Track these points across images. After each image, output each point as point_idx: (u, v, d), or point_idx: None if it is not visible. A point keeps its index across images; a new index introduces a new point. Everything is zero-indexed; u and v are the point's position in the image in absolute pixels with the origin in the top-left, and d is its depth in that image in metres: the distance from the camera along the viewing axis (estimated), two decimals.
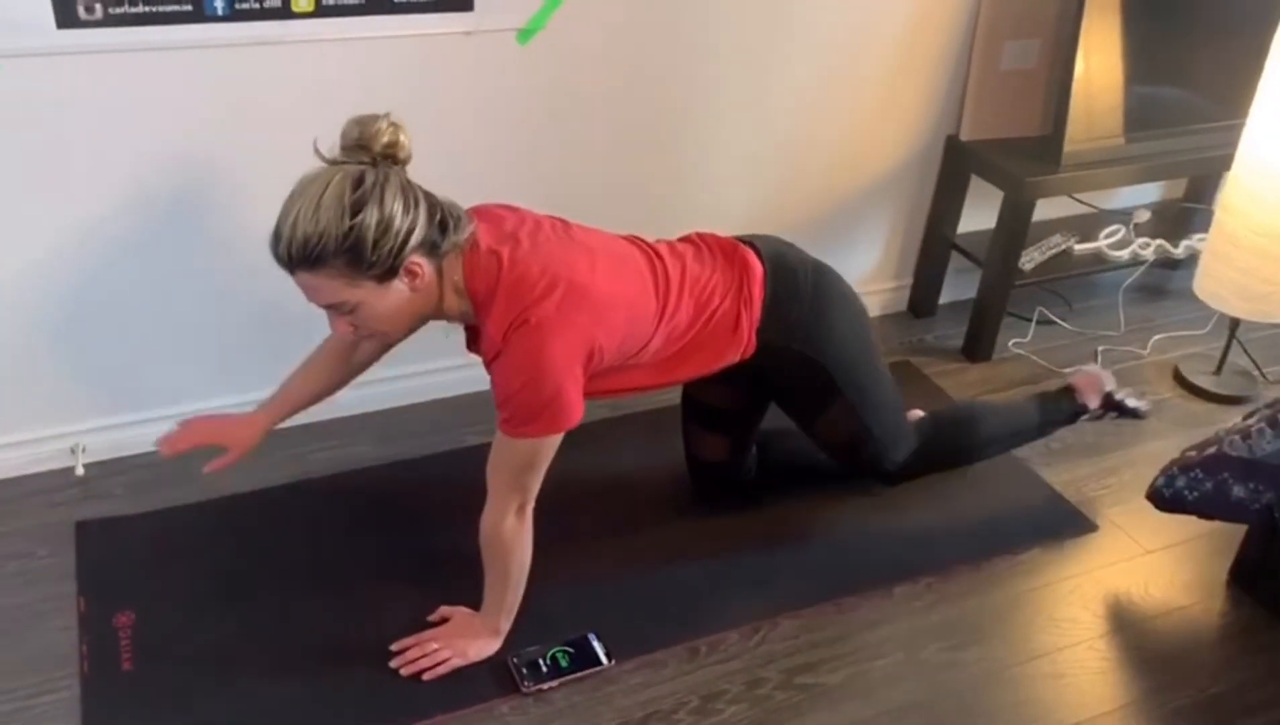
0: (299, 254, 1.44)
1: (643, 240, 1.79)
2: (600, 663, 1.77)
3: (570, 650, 1.78)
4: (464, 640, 1.76)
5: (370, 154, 1.48)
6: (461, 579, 1.87)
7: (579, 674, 1.75)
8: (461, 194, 1.61)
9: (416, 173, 1.54)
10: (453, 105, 2.08)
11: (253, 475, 2.14)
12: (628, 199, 2.34)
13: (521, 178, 2.19)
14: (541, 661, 1.75)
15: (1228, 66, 2.62)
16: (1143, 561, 2.08)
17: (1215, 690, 1.81)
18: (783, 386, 1.91)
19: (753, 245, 1.85)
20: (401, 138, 1.50)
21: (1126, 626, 1.93)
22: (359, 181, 1.44)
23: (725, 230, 2.42)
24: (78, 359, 2.06)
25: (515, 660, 1.75)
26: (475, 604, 1.78)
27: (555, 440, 1.60)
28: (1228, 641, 1.91)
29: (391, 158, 1.49)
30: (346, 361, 1.88)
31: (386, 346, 1.83)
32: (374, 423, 2.33)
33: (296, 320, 2.13)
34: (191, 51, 1.84)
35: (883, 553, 2.04)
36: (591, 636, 1.81)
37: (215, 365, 2.18)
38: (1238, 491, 1.88)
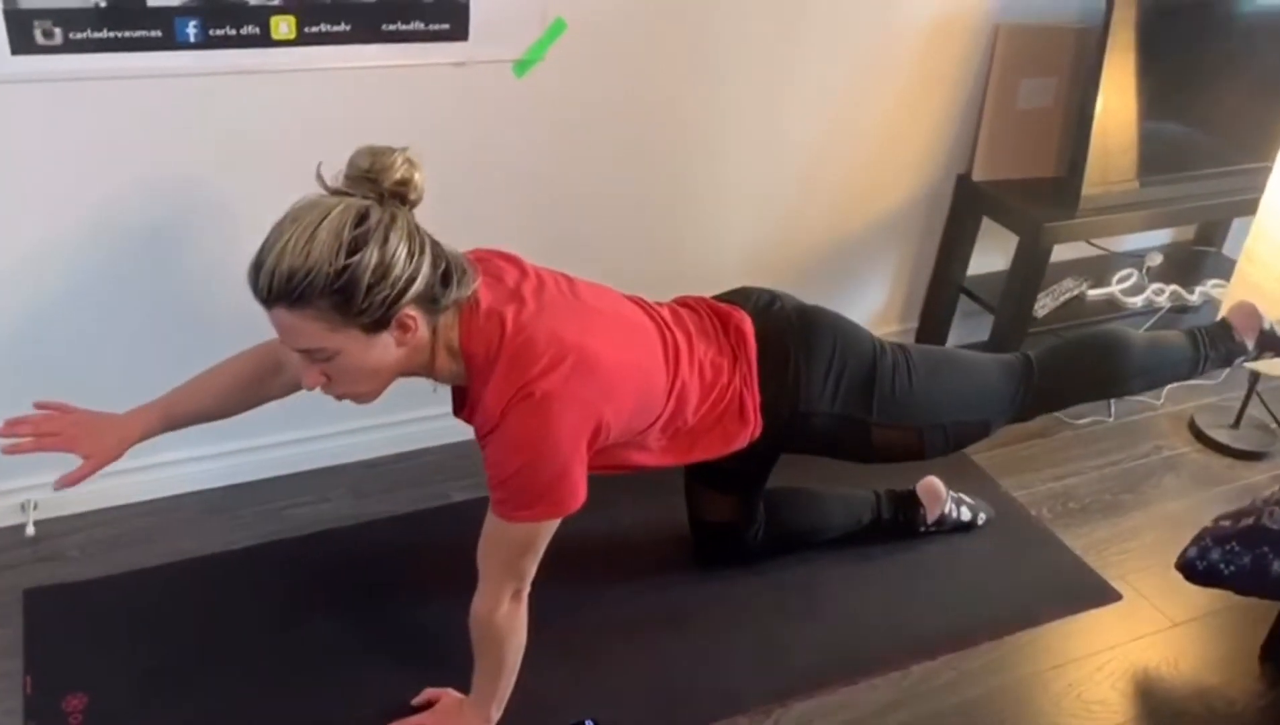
0: (281, 287, 1.27)
1: (647, 303, 1.66)
2: None
3: None
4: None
5: (378, 189, 1.32)
6: (446, 655, 1.73)
7: None
8: (451, 234, 1.45)
9: None
10: (443, 140, 1.93)
11: (220, 534, 1.99)
12: (628, 241, 2.22)
13: (515, 218, 2.05)
14: None
15: (1243, 109, 2.54)
16: (1171, 635, 1.96)
17: None
18: (816, 446, 1.77)
19: (745, 308, 1.72)
20: (416, 176, 1.35)
21: (1158, 708, 1.81)
22: (362, 217, 1.28)
23: (728, 270, 2.32)
24: (28, 406, 1.89)
25: None
26: (463, 684, 1.63)
27: (554, 524, 1.46)
28: None
29: (401, 197, 1.34)
30: (263, 382, 1.63)
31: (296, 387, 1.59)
32: (350, 475, 2.17)
33: None
34: (161, 81, 1.69)
35: (899, 626, 1.91)
36: (589, 724, 1.66)
37: None
38: (1277, 567, 1.76)
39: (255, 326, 1.42)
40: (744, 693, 1.75)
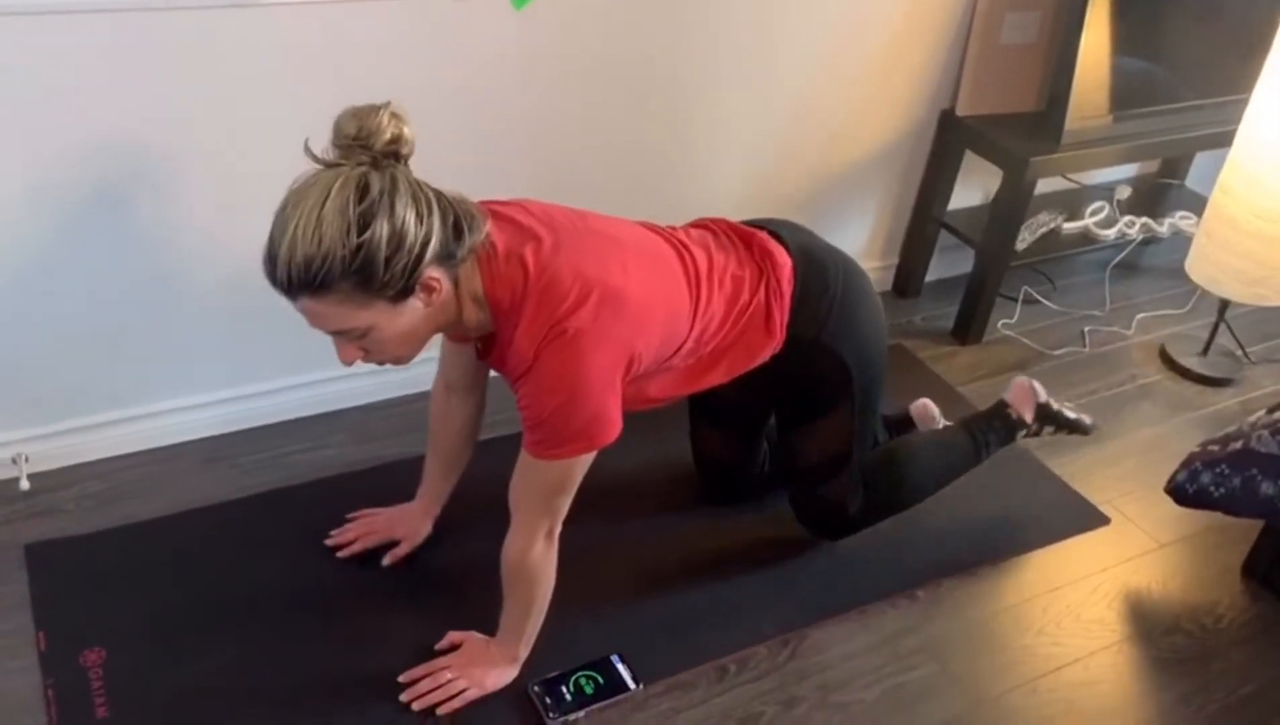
0: (300, 279, 1.24)
1: (659, 227, 1.63)
2: (627, 688, 1.65)
3: (594, 675, 1.66)
4: (480, 669, 1.62)
5: (371, 152, 1.27)
6: (460, 597, 1.76)
7: (606, 702, 1.62)
8: (449, 174, 1.42)
9: None
10: (440, 76, 1.89)
11: (221, 483, 1.95)
12: (623, 174, 2.20)
13: (512, 152, 2.03)
14: (565, 688, 1.63)
15: (1207, 45, 2.58)
16: (1158, 556, 2.04)
17: (1246, 691, 1.78)
18: (795, 380, 1.74)
19: (775, 233, 1.71)
20: (405, 131, 1.30)
21: (1152, 626, 1.89)
22: (364, 189, 1.24)
23: (718, 203, 2.33)
24: (16, 359, 1.83)
25: (536, 689, 1.62)
26: (478, 625, 1.65)
27: (589, 458, 1.46)
28: (1252, 639, 1.88)
29: (394, 155, 1.29)
30: (459, 414, 1.76)
31: (477, 377, 1.72)
32: (350, 420, 2.15)
33: (254, 314, 1.95)
34: (137, 15, 1.61)
35: (903, 555, 1.95)
36: (615, 658, 1.68)
37: (168, 364, 1.96)
38: (1266, 488, 1.84)
39: (226, 283, 1.38)
40: (761, 624, 1.79)
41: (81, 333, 1.85)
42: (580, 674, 1.65)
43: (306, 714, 1.57)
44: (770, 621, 1.80)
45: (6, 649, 1.62)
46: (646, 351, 1.47)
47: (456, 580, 1.79)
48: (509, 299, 1.40)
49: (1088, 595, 1.93)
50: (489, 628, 1.64)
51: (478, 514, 1.84)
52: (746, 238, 1.68)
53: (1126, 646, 1.84)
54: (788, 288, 1.65)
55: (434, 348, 1.67)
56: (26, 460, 1.89)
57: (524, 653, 1.63)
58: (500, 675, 1.62)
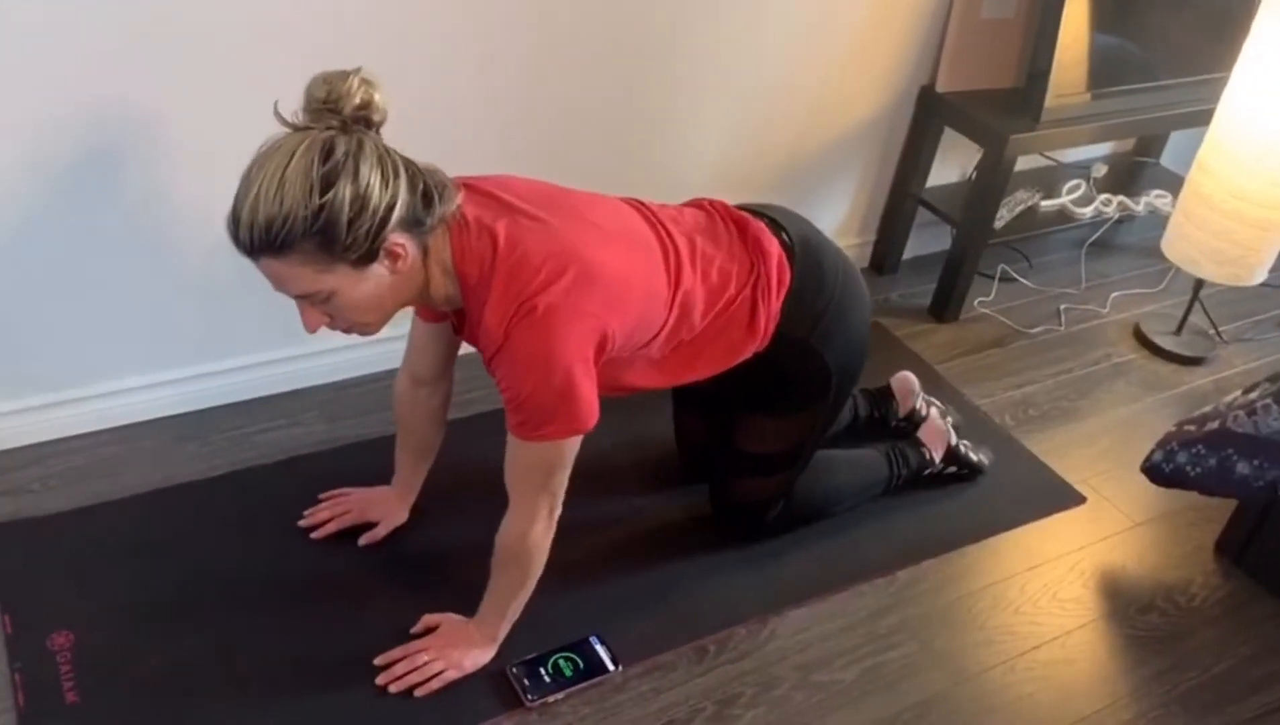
0: (262, 239, 1.23)
1: (646, 207, 1.59)
2: (606, 669, 1.63)
3: (573, 656, 1.64)
4: (458, 650, 1.59)
5: (340, 117, 1.25)
6: (442, 579, 1.74)
7: (585, 684, 1.61)
8: (430, 149, 1.39)
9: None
10: (415, 40, 1.84)
11: (190, 462, 1.92)
12: (602, 148, 2.16)
13: (484, 120, 1.99)
14: (543, 670, 1.61)
15: (1183, 24, 2.58)
16: (1133, 534, 2.05)
17: (1219, 669, 1.80)
18: (774, 373, 1.70)
19: (775, 223, 1.67)
20: (376, 97, 1.28)
21: (1127, 604, 1.90)
22: (328, 151, 1.23)
23: (696, 180, 2.30)
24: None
25: (515, 670, 1.60)
26: (453, 606, 1.62)
27: (579, 439, 1.44)
28: (1224, 617, 1.90)
29: (365, 121, 1.28)
30: (424, 401, 1.72)
31: (444, 367, 1.69)
32: (321, 397, 2.11)
33: (223, 289, 1.91)
34: None
35: (882, 535, 1.95)
36: (594, 639, 1.67)
37: (138, 339, 1.91)
38: (1241, 468, 1.84)
39: (195, 258, 1.35)
40: (740, 604, 1.78)
41: (45, 307, 1.80)
42: (559, 655, 1.64)
43: (280, 698, 1.54)
44: (750, 601, 1.79)
45: None
46: (620, 332, 1.44)
47: (433, 562, 1.76)
48: (477, 272, 1.37)
49: (1065, 574, 1.94)
50: (467, 609, 1.62)
51: (453, 494, 1.84)
52: (742, 227, 1.63)
53: (1102, 624, 1.85)
54: (778, 285, 1.61)
55: (402, 324, 1.65)
56: None
57: (504, 633, 1.61)
58: (478, 656, 1.60)
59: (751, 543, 1.88)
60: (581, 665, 1.63)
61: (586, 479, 1.92)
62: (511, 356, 1.36)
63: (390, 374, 2.15)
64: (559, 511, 1.51)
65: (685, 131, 2.25)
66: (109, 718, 1.48)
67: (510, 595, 1.56)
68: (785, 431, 1.76)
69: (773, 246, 1.61)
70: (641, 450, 2.04)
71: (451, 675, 1.57)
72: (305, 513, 1.81)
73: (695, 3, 2.08)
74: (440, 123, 1.91)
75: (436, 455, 1.80)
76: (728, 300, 1.57)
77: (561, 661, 1.63)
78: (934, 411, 2.12)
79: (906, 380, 2.16)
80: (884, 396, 2.15)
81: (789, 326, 1.63)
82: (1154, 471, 1.96)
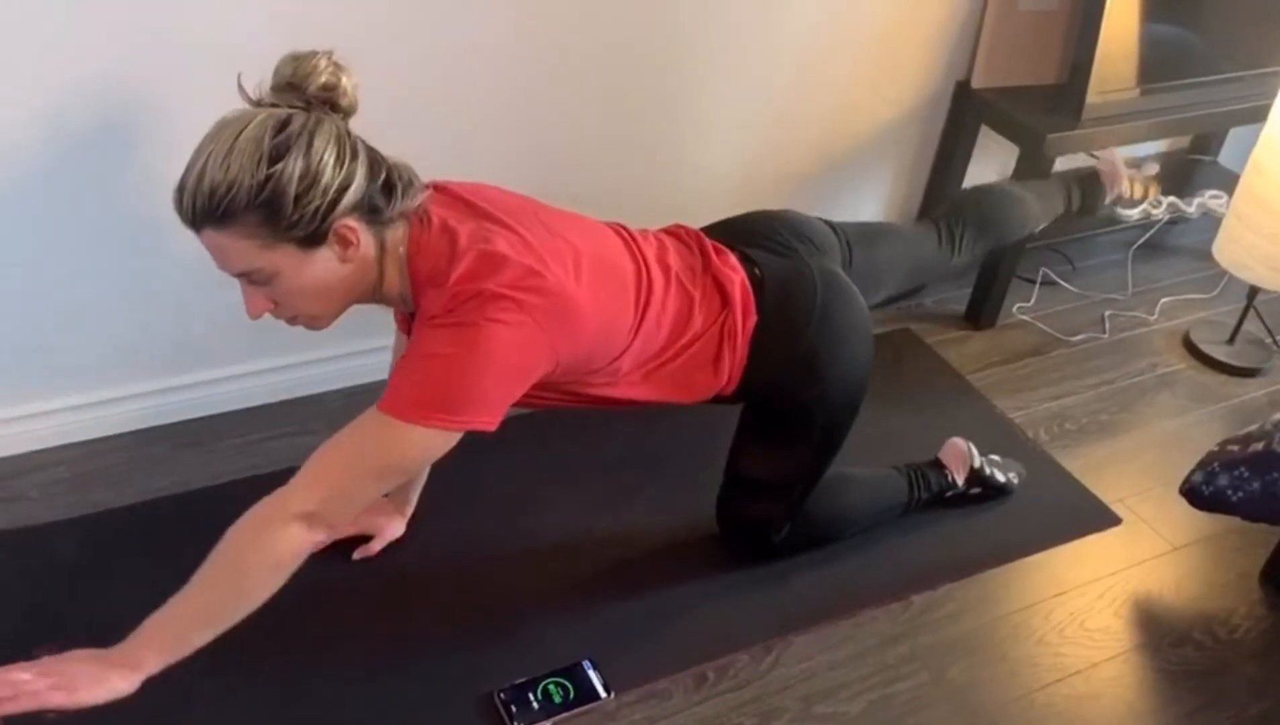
0: (204, 206, 1.19)
1: (628, 233, 1.53)
2: (598, 696, 1.57)
3: (563, 682, 1.58)
4: (79, 667, 1.22)
5: (304, 96, 1.22)
6: (425, 594, 1.67)
7: (575, 711, 1.55)
8: (413, 147, 1.34)
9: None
10: (409, 37, 1.79)
11: (195, 469, 1.90)
12: (619, 142, 2.09)
13: (485, 122, 1.92)
14: (532, 696, 1.56)
15: (1245, 13, 2.43)
16: (1171, 559, 1.93)
17: (1257, 709, 1.68)
18: (757, 409, 1.66)
19: (747, 257, 1.59)
20: (343, 80, 1.25)
21: (1161, 636, 1.79)
22: (283, 125, 1.20)
23: (720, 182, 2.22)
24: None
25: (502, 696, 1.55)
26: (445, 627, 1.57)
27: (441, 447, 1.28)
28: (1267, 652, 1.78)
29: (329, 103, 1.24)
30: None
31: None
32: (328, 405, 2.08)
33: (230, 294, 1.87)
34: None
35: (898, 557, 1.86)
36: (586, 664, 1.61)
37: (142, 345, 1.90)
38: None
39: (201, 262, 1.32)
40: (744, 629, 1.71)
41: (49, 312, 1.79)
42: (549, 681, 1.58)
43: (269, 710, 1.51)
44: (754, 627, 1.71)
45: None
46: (565, 357, 1.35)
47: (415, 582, 1.71)
48: (428, 270, 1.31)
49: (1094, 601, 1.83)
50: (453, 629, 1.56)
51: (454, 511, 1.79)
52: (712, 261, 1.56)
53: (1133, 657, 1.75)
54: (743, 329, 1.53)
55: None
56: None
57: (156, 664, 1.23)
58: (106, 683, 1.21)
59: (759, 564, 1.81)
60: (572, 692, 1.57)
61: (583, 494, 1.90)
62: (442, 326, 1.25)
63: None
64: (323, 539, 1.28)
65: (701, 134, 2.17)
66: None
67: (201, 604, 1.25)
68: (776, 461, 1.68)
69: (735, 285, 1.53)
70: (647, 468, 1.97)
71: (58, 699, 1.18)
72: None
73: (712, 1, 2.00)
74: (438, 127, 1.86)
75: (432, 471, 1.74)
76: (691, 337, 1.51)
77: (551, 687, 1.57)
78: (955, 439, 1.98)
79: (955, 447, 1.97)
80: (936, 469, 1.94)
81: (757, 370, 1.55)
82: (1193, 494, 1.84)
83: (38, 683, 1.19)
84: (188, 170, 1.21)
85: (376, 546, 1.74)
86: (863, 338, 1.64)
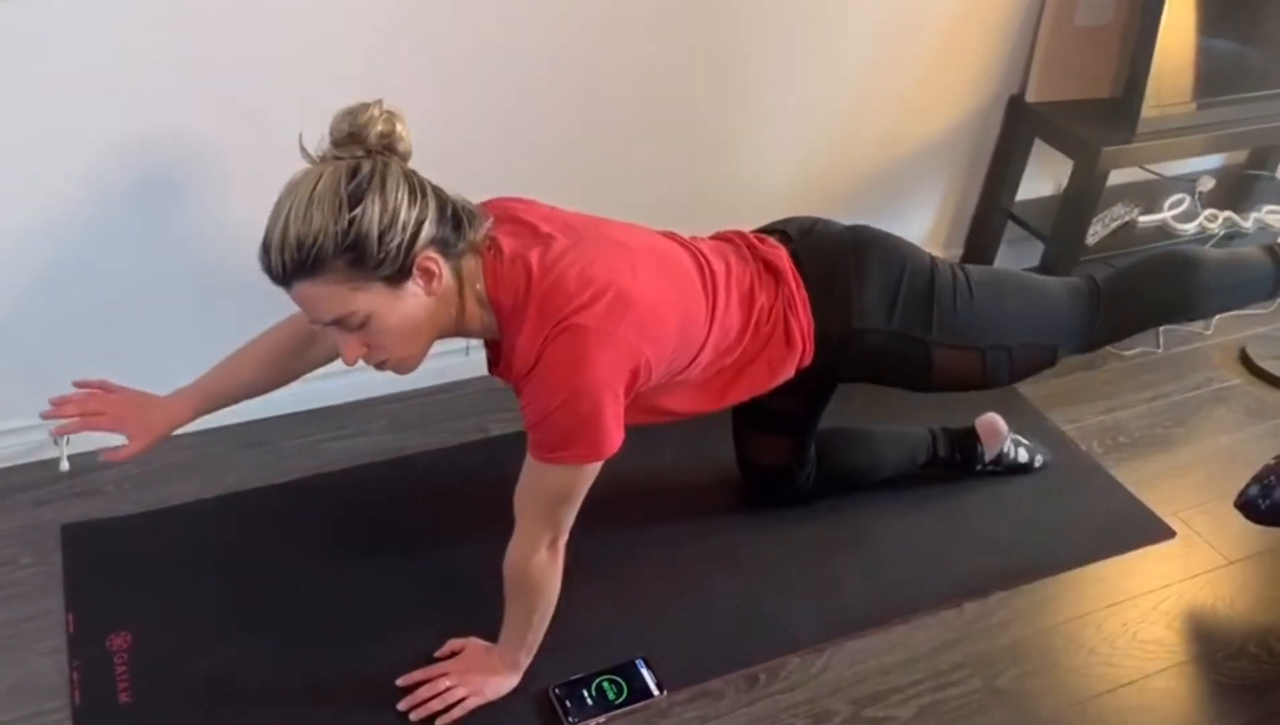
0: (293, 260, 1.23)
1: (680, 237, 1.58)
2: (651, 694, 1.60)
3: (617, 679, 1.61)
4: (480, 676, 1.57)
5: (365, 146, 1.27)
6: (483, 597, 1.68)
7: (628, 708, 1.58)
8: (454, 167, 1.39)
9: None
10: (442, 47, 1.82)
11: (258, 468, 1.95)
12: (672, 148, 2.12)
13: (530, 135, 1.96)
14: (586, 693, 1.58)
15: None
16: (1226, 573, 1.92)
17: None
18: (870, 372, 1.68)
19: (782, 233, 1.66)
20: (399, 127, 1.29)
21: (1215, 649, 1.78)
22: (354, 172, 1.24)
23: (769, 195, 2.26)
24: (59, 337, 1.84)
25: (557, 692, 1.58)
26: (498, 628, 1.59)
27: (593, 470, 1.40)
28: None
29: (389, 149, 1.29)
30: (299, 353, 1.62)
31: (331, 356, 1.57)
32: (388, 407, 2.13)
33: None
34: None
35: (951, 564, 1.87)
36: (640, 663, 1.64)
37: (211, 348, 1.91)
38: None
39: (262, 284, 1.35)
40: (795, 631, 1.73)
41: (124, 315, 1.86)
42: (603, 678, 1.61)
43: (321, 713, 1.54)
44: (806, 630, 1.73)
45: (38, 630, 1.63)
46: (656, 360, 1.41)
47: (475, 578, 1.71)
48: (511, 301, 1.36)
49: (1147, 613, 1.83)
50: (497, 631, 1.59)
51: (500, 509, 1.81)
52: (756, 250, 1.61)
53: (1186, 669, 1.74)
54: (799, 295, 1.59)
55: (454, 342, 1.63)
56: (68, 441, 1.90)
57: (526, 661, 1.58)
58: (500, 683, 1.57)
59: (785, 507, 1.90)
60: (625, 689, 1.60)
61: (642, 497, 1.93)
62: (542, 374, 1.34)
63: (455, 385, 2.18)
64: (563, 544, 1.47)
65: (756, 140, 2.20)
66: (156, 719, 1.51)
67: (524, 623, 1.53)
68: (950, 368, 1.68)
69: (784, 261, 1.60)
70: (701, 470, 2.00)
71: (473, 703, 1.54)
72: (51, 400, 1.52)
73: (770, 10, 2.03)
74: (491, 144, 1.92)
75: (454, 476, 1.82)
76: (760, 316, 1.55)
77: (605, 684, 1.60)
78: (1022, 451, 2.03)
79: (993, 422, 2.03)
80: (968, 438, 2.03)
81: (827, 326, 1.60)
82: (1249, 507, 1.83)
83: (457, 690, 1.54)
84: (270, 229, 1.25)
85: (128, 452, 1.52)
86: (892, 245, 1.68)
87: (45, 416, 1.51)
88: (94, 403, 1.53)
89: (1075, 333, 1.76)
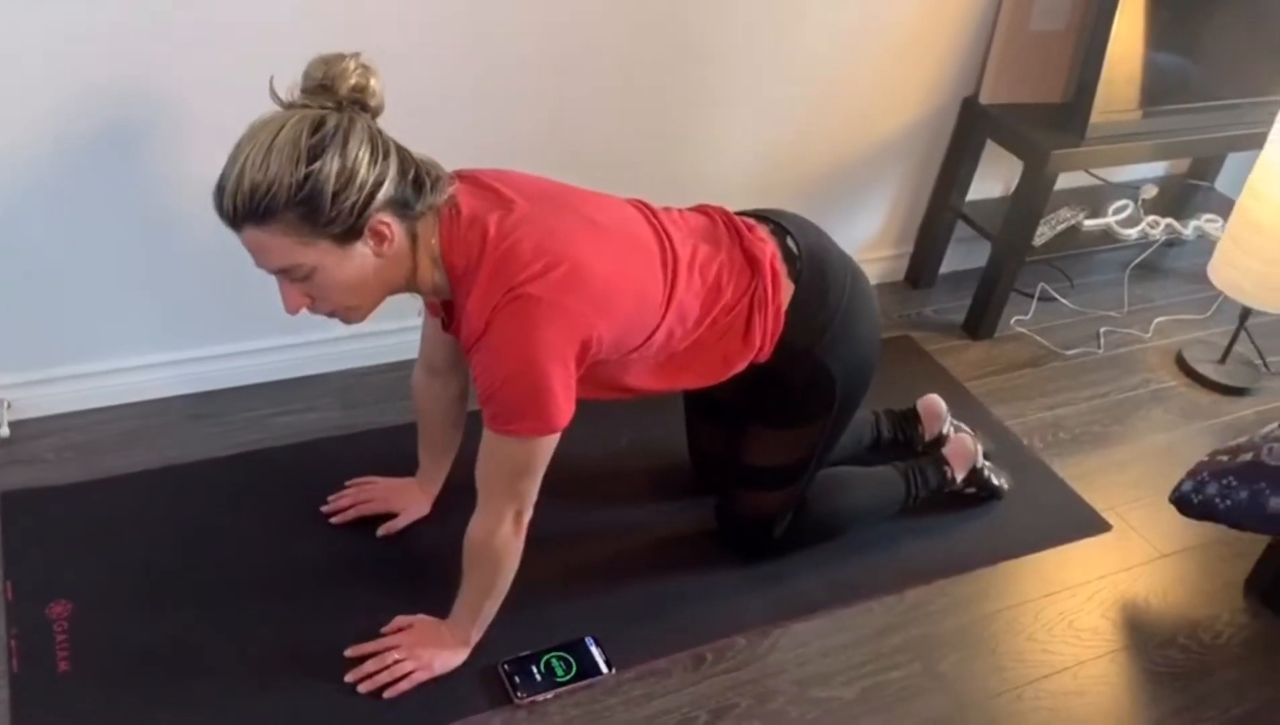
0: (245, 206, 1.22)
1: (649, 209, 1.56)
2: (599, 671, 1.61)
3: (566, 656, 1.62)
4: (428, 650, 1.56)
5: (335, 97, 1.25)
6: (431, 574, 1.69)
7: (576, 684, 1.59)
8: (430, 143, 1.38)
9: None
10: (429, 33, 1.83)
11: (204, 441, 1.93)
12: (628, 145, 2.13)
13: (506, 113, 1.97)
14: (535, 669, 1.59)
15: (1245, 43, 2.50)
16: (1159, 566, 1.98)
17: (1239, 711, 1.72)
18: (778, 384, 1.66)
19: (780, 227, 1.63)
20: (372, 82, 1.28)
21: (1146, 638, 1.83)
22: (319, 125, 1.23)
23: (727, 182, 2.27)
24: (2, 304, 1.80)
25: (506, 667, 1.58)
26: (446, 607, 1.59)
27: (550, 442, 1.40)
28: (1249, 658, 1.82)
29: (359, 104, 1.27)
30: (444, 395, 1.73)
31: (457, 358, 1.66)
32: (339, 383, 2.11)
33: (247, 269, 1.91)
34: None
35: (894, 551, 1.90)
36: (589, 641, 1.64)
37: (157, 316, 1.93)
38: (1274, 504, 1.77)
39: (218, 237, 1.36)
40: (743, 613, 1.75)
41: (70, 280, 1.82)
42: (552, 655, 1.61)
43: (264, 682, 1.53)
44: (753, 614, 1.75)
45: None
46: (608, 335, 1.40)
47: (423, 556, 1.74)
48: (464, 263, 1.35)
49: (1083, 603, 1.88)
50: (448, 609, 1.59)
51: (450, 488, 1.82)
52: (743, 236, 1.58)
53: (1119, 657, 1.79)
54: (775, 295, 1.56)
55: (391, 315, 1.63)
56: (9, 407, 1.87)
57: (476, 637, 1.58)
58: (449, 658, 1.57)
59: (756, 562, 1.83)
60: (574, 666, 1.60)
61: (593, 480, 1.94)
62: (491, 343, 1.33)
63: (408, 363, 2.16)
64: (527, 518, 1.47)
65: (716, 137, 2.22)
66: (95, 688, 1.49)
67: (480, 597, 1.53)
68: (789, 444, 1.71)
69: (766, 256, 1.56)
70: (652, 455, 2.02)
71: (420, 676, 1.54)
72: (329, 498, 1.81)
73: (728, 7, 2.05)
74: (456, 123, 1.91)
75: (405, 455, 1.80)
76: (723, 308, 1.54)
77: (554, 661, 1.61)
78: (963, 435, 2.06)
79: (934, 403, 2.09)
80: (910, 419, 2.09)
81: (792, 336, 1.58)
82: (1183, 502, 1.89)
83: (405, 664, 1.55)
84: (226, 171, 1.23)
85: (401, 523, 1.78)
86: (877, 314, 1.70)
87: (327, 513, 1.80)
88: (364, 492, 1.82)
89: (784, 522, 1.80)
